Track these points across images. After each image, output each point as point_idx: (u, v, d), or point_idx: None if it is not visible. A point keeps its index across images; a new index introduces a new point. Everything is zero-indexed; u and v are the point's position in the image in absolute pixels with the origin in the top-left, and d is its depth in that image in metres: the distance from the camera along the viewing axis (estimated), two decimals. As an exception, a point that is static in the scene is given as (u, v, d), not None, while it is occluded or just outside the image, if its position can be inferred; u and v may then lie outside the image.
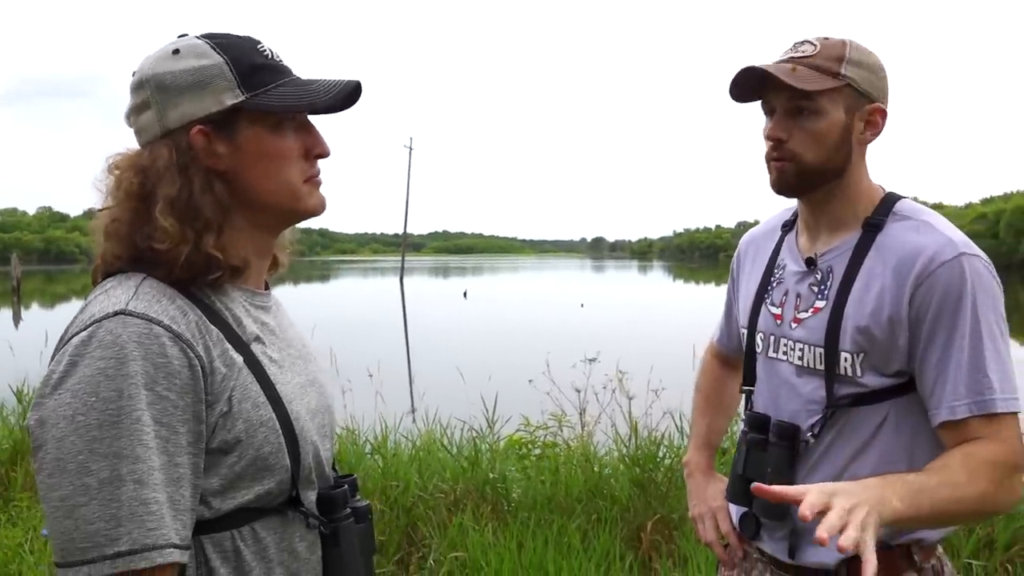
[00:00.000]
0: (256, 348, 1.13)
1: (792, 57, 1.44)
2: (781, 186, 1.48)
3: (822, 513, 1.12)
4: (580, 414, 5.12)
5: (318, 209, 1.18)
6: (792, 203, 1.60)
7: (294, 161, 1.15)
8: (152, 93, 1.10)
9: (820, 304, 1.48)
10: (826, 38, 1.44)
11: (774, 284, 1.59)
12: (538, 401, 5.40)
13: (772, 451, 1.50)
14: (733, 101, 1.49)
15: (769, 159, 1.48)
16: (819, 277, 1.50)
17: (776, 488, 1.18)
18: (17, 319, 24.58)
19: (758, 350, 1.60)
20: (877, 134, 1.47)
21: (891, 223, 1.45)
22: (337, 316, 19.43)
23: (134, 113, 1.13)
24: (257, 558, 1.09)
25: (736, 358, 1.78)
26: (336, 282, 64.14)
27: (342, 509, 1.19)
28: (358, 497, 1.25)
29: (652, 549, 3.46)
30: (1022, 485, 1.37)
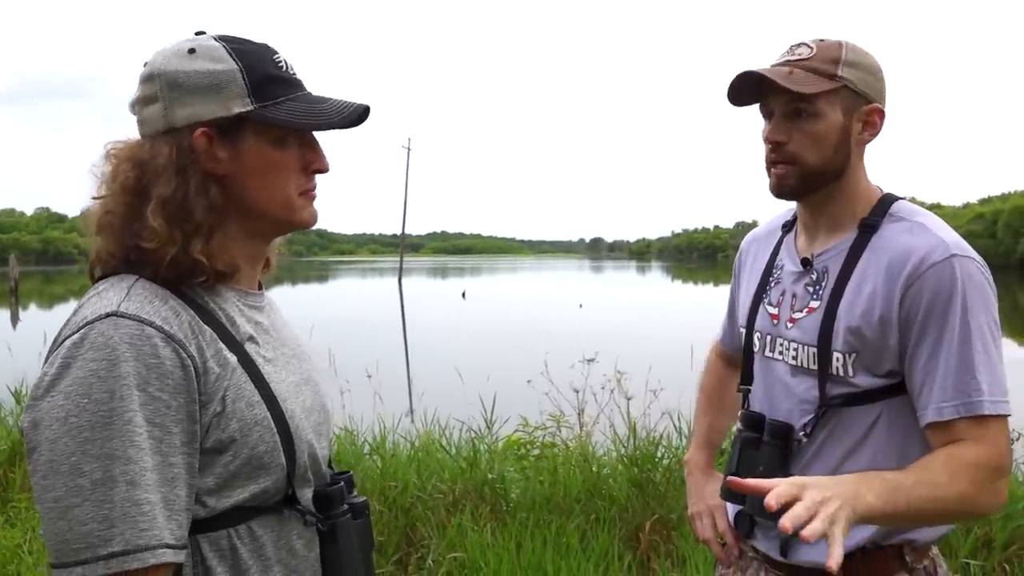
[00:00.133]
0: (250, 347, 1.13)
1: (789, 60, 1.44)
2: (781, 190, 1.48)
3: (791, 504, 1.12)
4: (579, 414, 5.12)
5: (309, 222, 1.19)
6: (793, 204, 1.61)
7: (292, 174, 1.15)
8: (161, 88, 1.10)
9: (814, 304, 1.48)
10: (822, 40, 1.45)
11: (772, 284, 1.60)
12: (536, 402, 5.40)
13: (765, 450, 1.50)
14: (731, 105, 1.49)
15: (769, 162, 1.49)
16: (814, 277, 1.50)
17: (749, 481, 1.19)
18: (15, 320, 24.55)
19: (755, 349, 1.60)
20: (875, 134, 1.47)
21: (886, 224, 1.45)
22: (335, 317, 19.44)
23: (140, 103, 1.12)
24: (254, 556, 1.09)
25: (739, 358, 1.79)
26: (334, 283, 64.14)
27: (339, 506, 1.19)
28: (355, 493, 1.26)
29: (650, 549, 3.46)
30: (1008, 488, 1.37)
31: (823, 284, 1.48)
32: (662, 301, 34.59)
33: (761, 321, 1.59)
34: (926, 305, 1.36)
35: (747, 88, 1.46)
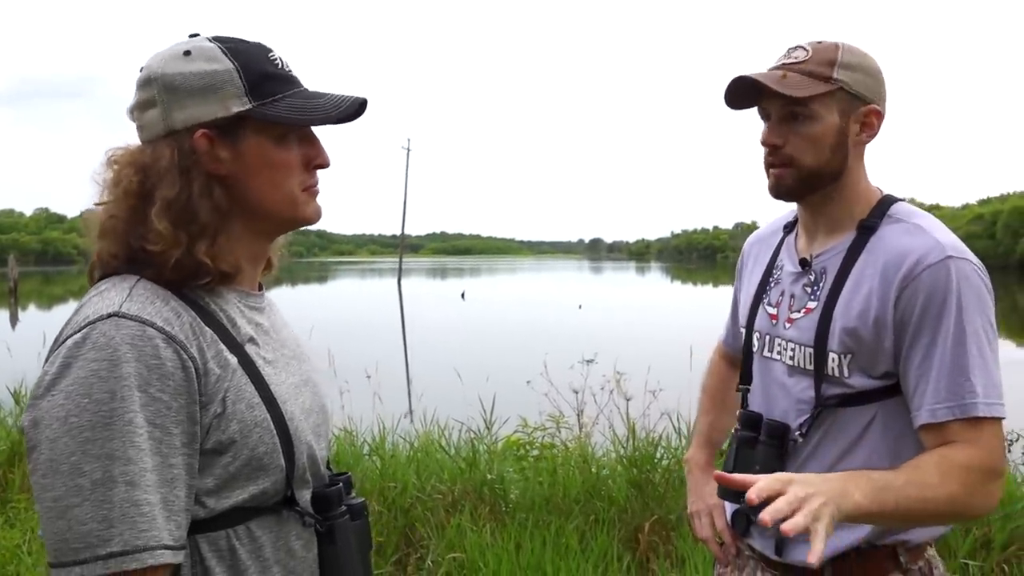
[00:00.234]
0: (250, 349, 1.13)
1: (784, 63, 1.45)
2: (779, 191, 1.49)
3: (774, 499, 1.12)
4: (578, 415, 5.12)
5: (314, 218, 1.19)
6: (793, 205, 1.61)
7: (294, 171, 1.15)
8: (159, 92, 1.10)
9: (812, 305, 1.49)
10: (820, 42, 1.46)
11: (772, 284, 1.60)
12: (536, 402, 5.40)
13: (761, 449, 1.51)
14: (729, 109, 1.50)
15: (767, 165, 1.50)
16: (813, 278, 1.51)
17: (736, 476, 1.20)
18: (14, 320, 24.55)
19: (754, 349, 1.61)
20: (873, 135, 1.48)
21: (885, 226, 1.45)
22: (335, 317, 19.42)
23: (138, 109, 1.13)
24: (253, 557, 1.09)
25: (741, 358, 1.80)
26: (334, 283, 64.15)
27: (337, 507, 1.19)
28: (353, 495, 1.26)
29: (649, 550, 3.46)
30: (1001, 490, 1.37)
31: (821, 285, 1.48)
32: (661, 302, 34.58)
33: (760, 321, 1.60)
34: (921, 307, 1.36)
35: (744, 92, 1.47)
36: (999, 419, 1.35)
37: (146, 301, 1.04)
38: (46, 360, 1.02)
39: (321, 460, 1.22)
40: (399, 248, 66.26)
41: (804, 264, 1.53)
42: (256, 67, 1.12)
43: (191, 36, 1.15)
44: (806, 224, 1.57)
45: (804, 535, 1.11)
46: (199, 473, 1.04)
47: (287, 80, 1.14)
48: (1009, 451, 4.88)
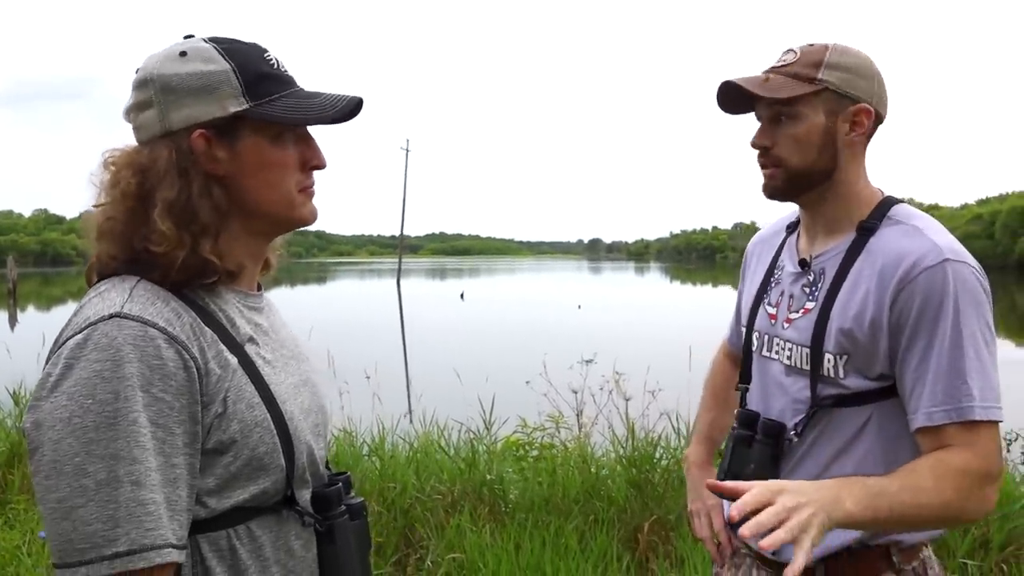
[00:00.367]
0: (250, 349, 1.13)
1: (772, 67, 1.48)
2: (772, 192, 1.52)
3: (760, 511, 1.13)
4: (577, 415, 5.12)
5: (310, 219, 1.20)
6: (794, 205, 1.62)
7: (291, 171, 1.15)
8: (156, 93, 1.10)
9: (810, 305, 1.50)
10: (811, 45, 1.48)
11: (772, 284, 1.61)
12: (535, 402, 5.41)
13: (756, 448, 1.51)
14: (724, 114, 1.53)
15: (760, 166, 1.52)
16: (811, 279, 1.51)
17: (727, 483, 1.20)
18: (13, 321, 24.52)
19: (754, 349, 1.62)
20: (864, 134, 1.48)
21: (884, 227, 1.45)
22: (334, 318, 19.41)
23: (135, 110, 1.13)
24: (253, 556, 1.09)
25: None
26: (333, 284, 64.13)
27: (337, 507, 1.20)
28: (352, 494, 1.26)
29: (649, 550, 3.47)
30: (997, 494, 1.37)
31: (819, 285, 1.49)
32: (660, 302, 34.60)
33: (760, 321, 1.61)
34: (917, 309, 1.35)
35: (736, 96, 1.49)
36: (996, 423, 1.34)
37: (147, 302, 1.04)
38: (46, 361, 1.02)
39: (320, 460, 1.23)
40: (398, 249, 66.30)
41: (804, 264, 1.54)
42: (252, 67, 1.12)
43: (186, 37, 1.15)
44: (807, 224, 1.58)
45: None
46: (200, 473, 1.04)
47: (283, 80, 1.15)
48: (1008, 451, 4.88)
